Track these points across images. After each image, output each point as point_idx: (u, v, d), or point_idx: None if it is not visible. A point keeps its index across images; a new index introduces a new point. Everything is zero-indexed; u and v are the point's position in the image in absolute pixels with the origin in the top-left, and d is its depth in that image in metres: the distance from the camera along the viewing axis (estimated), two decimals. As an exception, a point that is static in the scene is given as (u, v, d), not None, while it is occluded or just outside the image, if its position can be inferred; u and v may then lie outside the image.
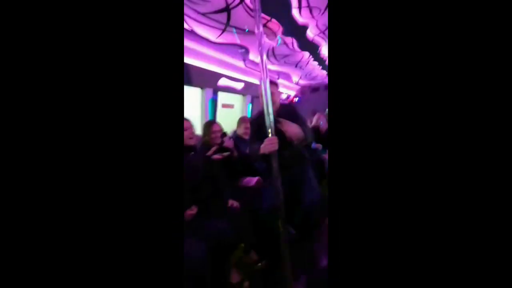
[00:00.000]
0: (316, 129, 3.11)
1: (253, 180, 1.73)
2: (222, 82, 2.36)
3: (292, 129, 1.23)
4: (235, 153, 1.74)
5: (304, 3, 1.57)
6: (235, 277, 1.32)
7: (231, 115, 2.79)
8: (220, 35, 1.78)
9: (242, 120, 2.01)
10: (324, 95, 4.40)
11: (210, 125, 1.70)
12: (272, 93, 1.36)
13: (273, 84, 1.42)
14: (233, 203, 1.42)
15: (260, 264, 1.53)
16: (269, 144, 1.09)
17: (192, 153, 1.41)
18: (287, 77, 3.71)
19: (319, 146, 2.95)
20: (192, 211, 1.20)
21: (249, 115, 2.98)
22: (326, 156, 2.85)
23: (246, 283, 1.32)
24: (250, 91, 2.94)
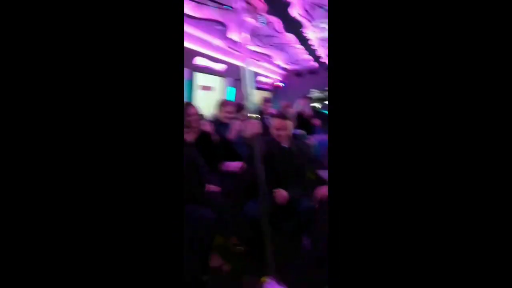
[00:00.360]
0: (300, 115, 3.11)
1: (234, 165, 1.68)
2: (200, 61, 2.22)
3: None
4: (215, 138, 1.68)
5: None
6: (214, 261, 1.31)
7: (210, 98, 2.67)
8: (198, 9, 1.64)
9: (222, 104, 1.92)
10: (307, 80, 4.37)
11: (186, 107, 1.60)
12: (282, 127, 1.32)
13: (282, 117, 1.37)
14: (209, 187, 1.38)
15: (240, 248, 1.53)
16: (251, 127, 1.04)
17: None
18: (271, 60, 3.61)
19: (302, 132, 2.96)
20: None
21: (229, 99, 2.88)
22: (309, 141, 2.87)
23: (226, 267, 1.31)
24: (231, 74, 2.81)
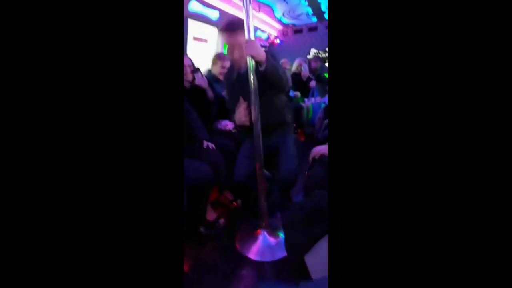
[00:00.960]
0: (297, 75, 2.98)
1: (230, 124, 1.64)
2: (194, 6, 1.96)
3: (250, 48, 0.99)
4: (210, 94, 1.59)
5: None
6: (211, 215, 1.36)
7: (204, 51, 2.45)
8: None
9: (217, 57, 1.77)
10: (307, 38, 4.07)
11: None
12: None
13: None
14: (208, 144, 1.36)
15: (234, 203, 1.59)
16: (249, 46, 0.95)
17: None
18: (269, 11, 3.27)
19: (297, 94, 2.88)
20: None
21: (225, 52, 2.66)
22: (303, 104, 2.81)
23: (222, 220, 1.38)
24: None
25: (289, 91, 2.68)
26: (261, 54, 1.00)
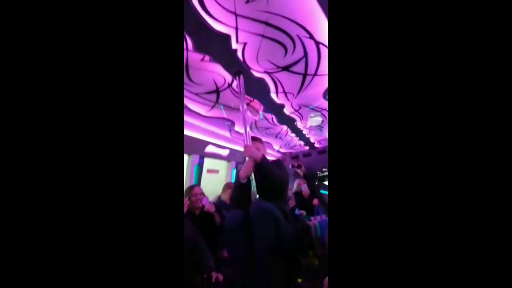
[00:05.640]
0: (298, 194, 3.18)
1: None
2: (209, 149, 2.53)
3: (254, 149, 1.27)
4: (218, 218, 1.72)
5: (280, 89, 1.95)
6: None
7: (216, 180, 2.85)
8: (210, 109, 2.06)
9: (227, 186, 2.06)
10: (303, 162, 4.72)
11: (191, 188, 1.75)
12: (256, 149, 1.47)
13: (257, 140, 1.52)
14: (217, 276, 1.30)
15: None
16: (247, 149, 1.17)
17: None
18: (269, 145, 4.04)
19: (303, 212, 2.95)
20: None
21: (233, 181, 3.05)
22: (310, 222, 2.81)
23: None
24: (235, 158, 3.12)
25: (294, 210, 2.79)
26: (257, 155, 1.25)
